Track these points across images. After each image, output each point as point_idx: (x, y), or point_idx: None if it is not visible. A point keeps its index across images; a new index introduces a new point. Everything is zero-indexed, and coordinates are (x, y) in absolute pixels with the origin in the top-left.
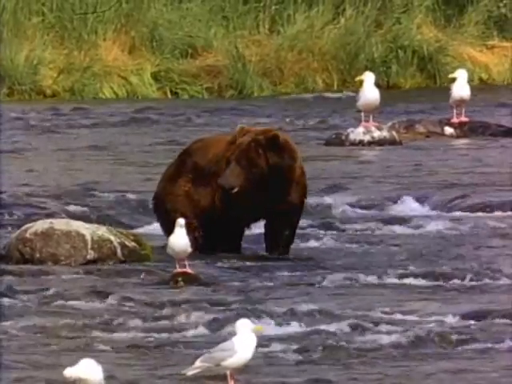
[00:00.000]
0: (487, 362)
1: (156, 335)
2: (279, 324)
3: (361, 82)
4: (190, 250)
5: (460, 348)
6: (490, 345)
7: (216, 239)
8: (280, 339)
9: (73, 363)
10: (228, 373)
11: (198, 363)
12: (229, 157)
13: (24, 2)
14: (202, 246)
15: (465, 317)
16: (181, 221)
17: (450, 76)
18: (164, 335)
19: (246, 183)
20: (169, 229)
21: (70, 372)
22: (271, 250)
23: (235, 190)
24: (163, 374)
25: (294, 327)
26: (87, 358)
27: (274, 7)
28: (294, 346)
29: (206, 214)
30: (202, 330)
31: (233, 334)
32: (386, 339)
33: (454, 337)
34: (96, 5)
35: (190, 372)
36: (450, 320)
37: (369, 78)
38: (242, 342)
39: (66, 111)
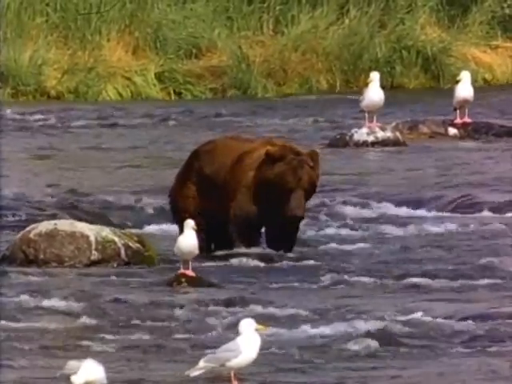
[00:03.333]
0: (485, 362)
1: (159, 336)
2: (282, 324)
3: (368, 84)
4: (196, 251)
5: (459, 348)
6: (490, 345)
7: (221, 241)
8: (283, 339)
9: (74, 364)
10: (232, 373)
11: (201, 363)
12: (286, 180)
13: (28, 2)
14: (207, 248)
15: (465, 317)
16: (190, 222)
17: (457, 79)
18: (167, 336)
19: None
20: (180, 227)
21: (76, 377)
22: (273, 249)
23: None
24: (167, 375)
25: (297, 328)
26: (89, 358)
27: (278, 8)
28: (298, 346)
29: (210, 216)
30: (205, 330)
31: (237, 333)
32: (387, 339)
33: (456, 336)
34: (100, 5)
35: (194, 372)
36: (450, 320)
37: (375, 78)
38: (247, 341)
39: (70, 112)
